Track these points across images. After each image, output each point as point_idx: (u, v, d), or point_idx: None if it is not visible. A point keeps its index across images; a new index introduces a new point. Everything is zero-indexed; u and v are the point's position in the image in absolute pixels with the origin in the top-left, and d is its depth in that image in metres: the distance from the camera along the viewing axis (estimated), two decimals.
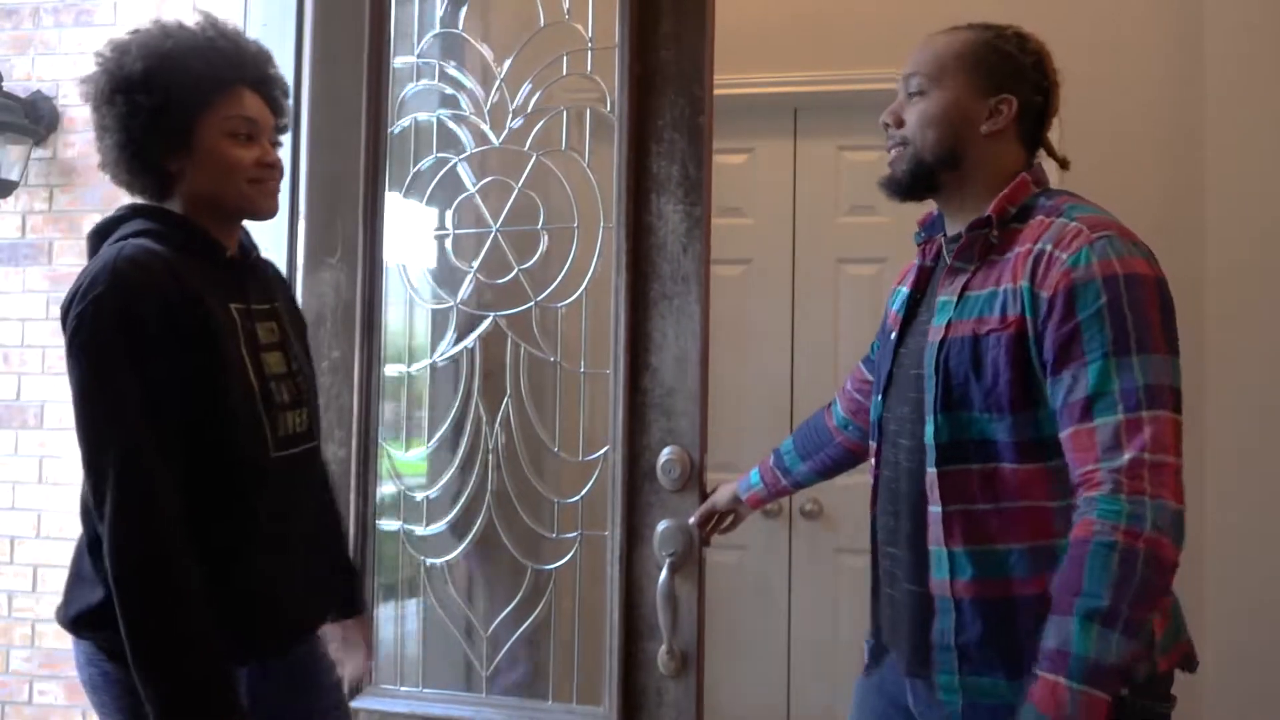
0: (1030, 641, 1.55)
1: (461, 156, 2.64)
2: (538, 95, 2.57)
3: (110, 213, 1.79)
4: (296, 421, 1.84)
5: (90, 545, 1.72)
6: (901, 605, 1.78)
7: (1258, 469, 3.31)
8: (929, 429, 1.70)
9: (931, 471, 1.69)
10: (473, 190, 2.62)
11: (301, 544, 1.86)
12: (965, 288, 1.72)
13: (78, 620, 1.71)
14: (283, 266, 2.77)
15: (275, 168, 1.79)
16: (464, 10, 2.66)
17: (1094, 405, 1.54)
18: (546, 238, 2.59)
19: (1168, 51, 3.58)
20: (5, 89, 3.51)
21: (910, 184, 1.80)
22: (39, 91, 3.59)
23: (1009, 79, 1.75)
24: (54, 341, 3.60)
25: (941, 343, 1.71)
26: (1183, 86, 3.53)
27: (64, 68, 3.62)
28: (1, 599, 3.61)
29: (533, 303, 2.56)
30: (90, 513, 1.67)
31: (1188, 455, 3.32)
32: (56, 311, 3.59)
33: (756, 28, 3.67)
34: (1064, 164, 1.88)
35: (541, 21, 2.56)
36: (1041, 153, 1.86)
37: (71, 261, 3.60)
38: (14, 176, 3.49)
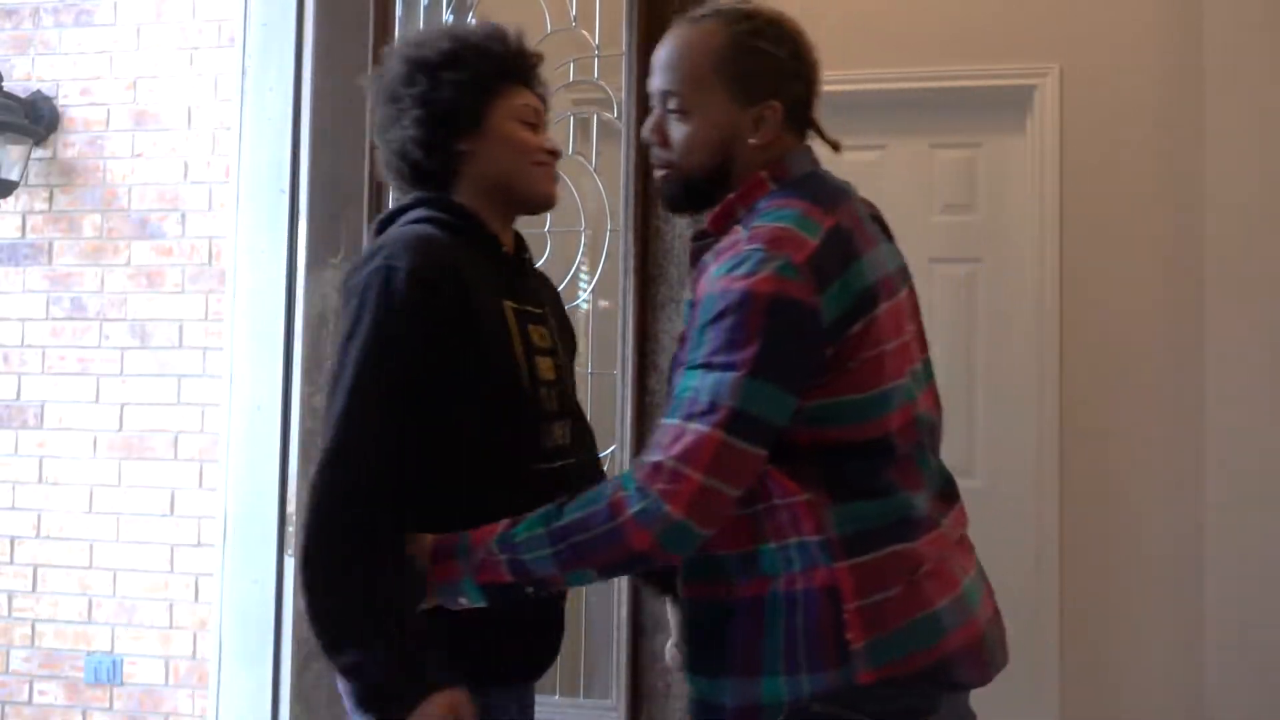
0: (743, 645, 1.55)
1: None
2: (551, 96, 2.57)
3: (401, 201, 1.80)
4: (561, 434, 1.78)
5: None
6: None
7: (1258, 468, 3.33)
8: None
9: None
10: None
11: None
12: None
13: None
14: (283, 267, 2.78)
15: (557, 155, 1.81)
16: (470, 15, 2.66)
17: (671, 405, 1.51)
18: (552, 241, 2.60)
19: (1167, 46, 3.59)
20: (5, 89, 3.51)
21: (686, 204, 1.72)
22: (39, 91, 3.59)
23: (770, 82, 1.63)
24: (54, 341, 3.60)
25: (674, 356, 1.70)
26: (1182, 83, 3.53)
27: (64, 68, 3.62)
28: (1, 599, 3.61)
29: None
30: None
31: (1186, 451, 3.38)
32: (56, 312, 3.60)
33: None
34: (835, 146, 1.74)
35: (548, 28, 2.57)
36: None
37: (71, 261, 3.60)
38: (14, 176, 3.49)
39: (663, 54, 1.67)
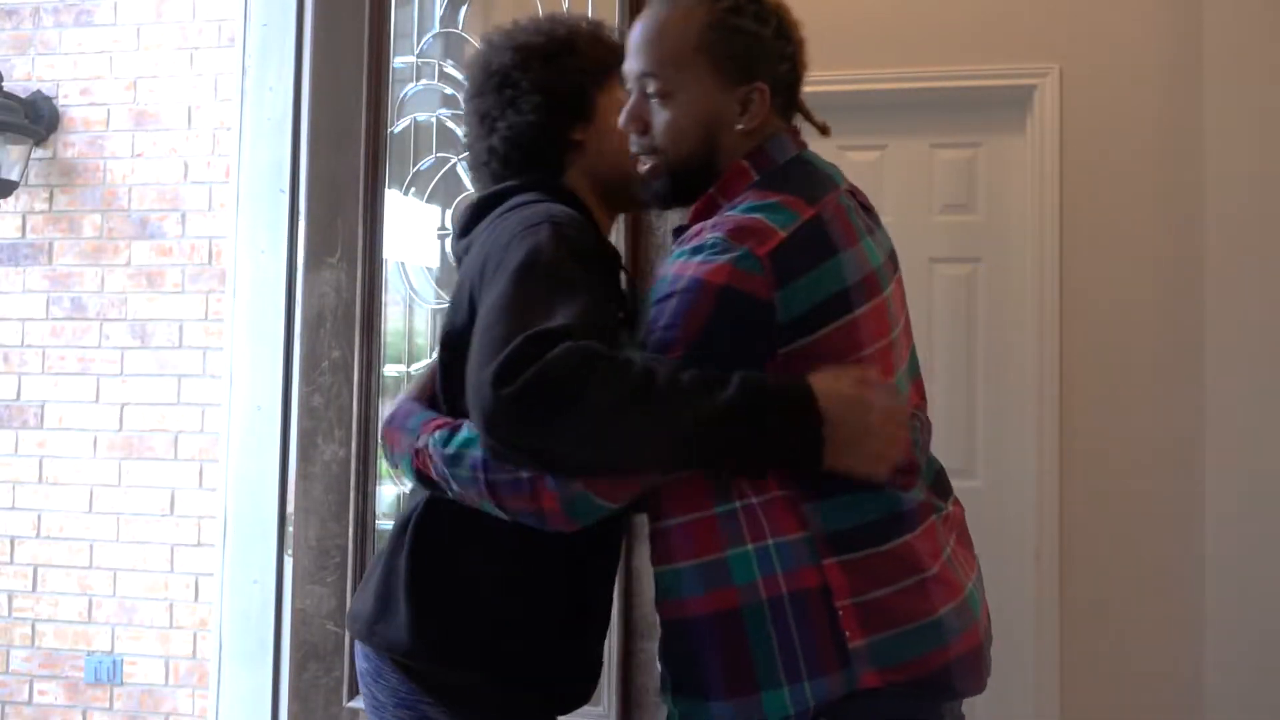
0: (727, 663, 1.47)
1: (462, 156, 2.64)
2: None
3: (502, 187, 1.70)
4: None
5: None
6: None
7: (1258, 468, 3.32)
8: None
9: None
10: (473, 190, 2.62)
11: (613, 584, 1.76)
12: None
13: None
14: (283, 267, 2.78)
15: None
16: (464, 10, 2.66)
17: None
18: None
19: (1167, 46, 3.58)
20: (5, 89, 3.51)
21: (674, 197, 1.63)
22: (39, 91, 3.60)
23: (755, 61, 1.54)
24: (54, 341, 3.61)
25: None
26: (1182, 83, 3.53)
27: (64, 68, 3.63)
28: (1, 599, 3.62)
29: None
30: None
31: (1186, 451, 3.37)
32: (56, 312, 3.60)
33: None
34: (824, 130, 1.66)
35: None
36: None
37: (71, 262, 3.61)
38: (14, 176, 3.50)
39: (639, 34, 1.58)
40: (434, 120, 2.67)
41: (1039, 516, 3.61)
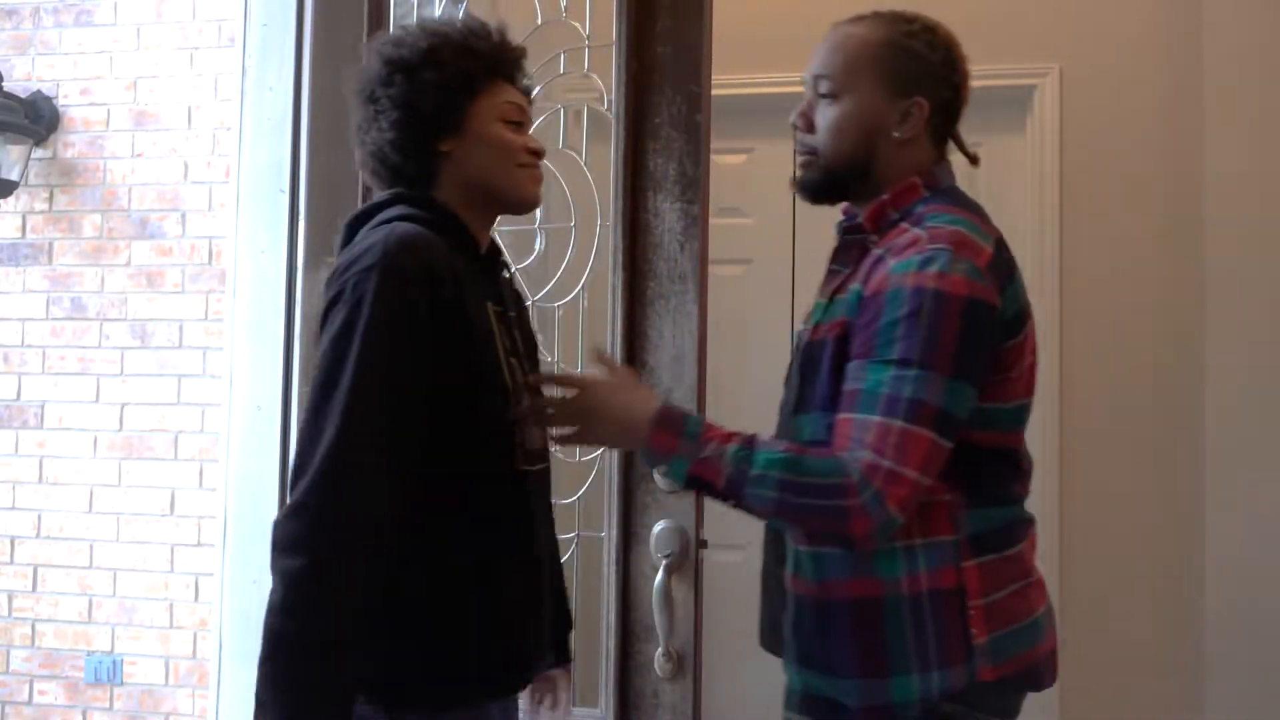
0: (863, 646, 1.61)
1: None
2: (535, 93, 2.57)
3: (375, 199, 1.76)
4: (538, 436, 1.77)
5: None
6: (769, 587, 1.83)
7: (1258, 468, 3.31)
8: (789, 429, 1.76)
9: None
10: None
11: (536, 572, 1.77)
12: (837, 291, 1.73)
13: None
14: (283, 267, 2.78)
15: (541, 155, 1.79)
16: (462, 8, 2.66)
17: (860, 399, 1.55)
18: (543, 237, 2.59)
19: (1167, 46, 3.58)
20: (5, 89, 3.51)
21: (822, 192, 1.79)
22: (39, 91, 3.59)
23: (920, 80, 1.71)
24: (54, 341, 3.60)
25: (808, 346, 1.74)
26: (1182, 83, 3.53)
27: (64, 68, 3.63)
28: (1, 599, 3.62)
29: (529, 302, 2.56)
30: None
31: (1186, 451, 3.37)
32: (56, 312, 3.60)
33: (756, 27, 3.67)
34: (974, 160, 1.83)
35: (539, 19, 2.56)
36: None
37: (71, 262, 3.60)
38: (14, 176, 3.50)
39: (825, 44, 1.76)
40: None
41: (1039, 516, 3.59)
